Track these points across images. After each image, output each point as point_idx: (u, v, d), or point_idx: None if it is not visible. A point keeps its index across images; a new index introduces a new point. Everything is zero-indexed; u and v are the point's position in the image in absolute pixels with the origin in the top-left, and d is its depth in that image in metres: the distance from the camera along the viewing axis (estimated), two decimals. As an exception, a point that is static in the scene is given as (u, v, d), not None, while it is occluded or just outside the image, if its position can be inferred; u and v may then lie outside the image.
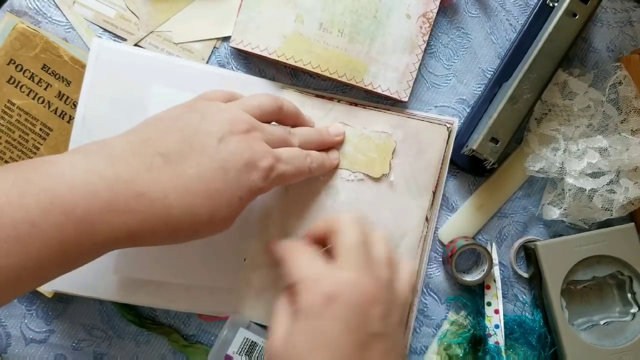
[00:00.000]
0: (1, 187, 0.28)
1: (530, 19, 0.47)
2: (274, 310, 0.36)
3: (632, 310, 0.47)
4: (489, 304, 0.47)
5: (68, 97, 0.44)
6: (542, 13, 0.47)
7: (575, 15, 0.45)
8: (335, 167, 0.45)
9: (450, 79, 0.49)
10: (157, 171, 0.32)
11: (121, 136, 0.34)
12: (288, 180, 0.38)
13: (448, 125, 0.45)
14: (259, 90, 0.45)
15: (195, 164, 0.33)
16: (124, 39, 0.46)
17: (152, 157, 0.32)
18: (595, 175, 0.47)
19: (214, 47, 0.46)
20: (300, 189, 0.44)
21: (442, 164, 0.45)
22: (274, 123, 0.41)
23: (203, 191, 0.33)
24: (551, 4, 0.47)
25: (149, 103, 0.43)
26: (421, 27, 0.46)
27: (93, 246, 0.30)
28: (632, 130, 0.47)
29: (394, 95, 0.46)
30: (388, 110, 0.46)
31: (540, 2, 0.47)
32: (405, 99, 0.46)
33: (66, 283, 0.42)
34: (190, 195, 0.32)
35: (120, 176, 0.31)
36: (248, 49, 0.45)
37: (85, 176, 0.30)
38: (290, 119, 0.42)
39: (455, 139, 0.47)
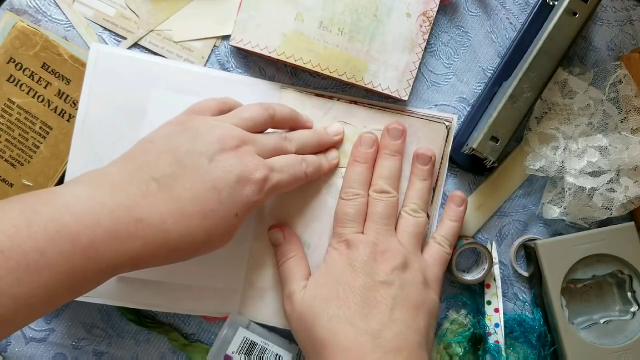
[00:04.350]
0: (9, 217, 0.29)
1: (530, 18, 0.47)
2: (285, 271, 0.42)
3: (632, 309, 0.47)
4: (489, 302, 0.47)
5: (68, 96, 0.44)
6: (542, 12, 0.47)
7: (575, 14, 0.45)
8: (336, 166, 0.44)
9: (450, 78, 0.49)
10: (153, 197, 0.33)
11: (118, 162, 0.35)
12: (284, 189, 0.39)
13: (447, 123, 0.45)
14: (259, 92, 0.45)
15: (189, 186, 0.34)
16: (124, 38, 0.46)
17: (147, 183, 0.33)
18: (595, 174, 0.47)
19: (214, 46, 0.46)
20: (302, 188, 0.44)
21: (441, 161, 0.45)
22: (270, 130, 0.41)
23: (198, 213, 0.34)
24: (551, 3, 0.47)
25: (148, 106, 0.43)
26: (421, 26, 0.46)
27: (99, 272, 0.31)
28: (632, 129, 0.47)
29: (394, 94, 0.46)
30: (387, 108, 0.46)
31: (540, 1, 0.47)
32: (405, 98, 0.46)
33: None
34: (186, 218, 0.33)
35: (120, 204, 0.32)
36: (248, 47, 0.45)
37: (88, 205, 0.31)
38: (286, 124, 0.42)
39: (455, 137, 0.46)
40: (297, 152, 0.41)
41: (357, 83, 0.45)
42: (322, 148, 0.44)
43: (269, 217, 0.44)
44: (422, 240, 0.43)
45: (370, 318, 0.36)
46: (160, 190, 0.33)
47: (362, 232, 0.41)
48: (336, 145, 0.45)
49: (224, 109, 0.40)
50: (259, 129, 0.40)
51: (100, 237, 0.30)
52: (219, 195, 0.34)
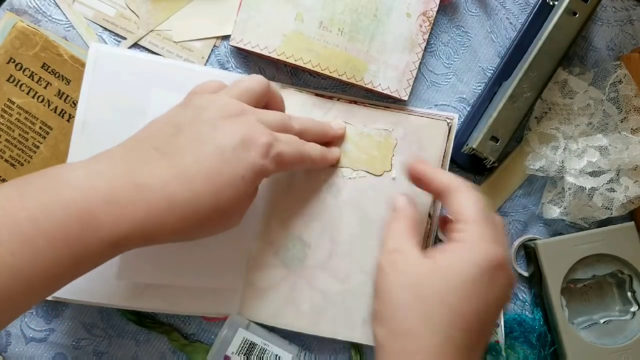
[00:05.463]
0: (4, 191, 0.29)
1: (530, 18, 0.47)
2: (390, 230, 0.36)
3: (632, 309, 0.47)
4: (489, 302, 0.47)
5: (68, 96, 0.44)
6: (542, 12, 0.47)
7: (575, 13, 0.45)
8: (336, 166, 0.44)
9: (450, 78, 0.49)
10: (155, 163, 0.32)
11: (122, 142, 0.35)
12: (289, 162, 0.38)
13: (448, 121, 0.45)
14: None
15: (191, 151, 0.33)
16: (124, 38, 0.46)
17: (148, 152, 0.33)
18: (595, 173, 0.47)
19: (214, 46, 0.46)
20: (302, 188, 0.44)
21: (443, 159, 0.45)
22: None
23: (202, 175, 0.33)
24: (551, 3, 0.47)
25: (149, 106, 0.43)
26: (421, 26, 0.46)
27: (100, 242, 0.30)
28: (632, 128, 0.47)
29: (394, 94, 0.46)
30: (388, 107, 0.46)
31: (540, 1, 0.47)
32: (405, 98, 0.46)
33: (67, 290, 0.42)
34: (190, 180, 0.32)
35: (118, 171, 0.31)
36: (248, 47, 0.45)
37: (84, 175, 0.30)
38: (278, 100, 0.41)
39: (455, 137, 0.46)
40: (300, 134, 0.40)
41: (357, 83, 0.45)
42: (325, 139, 0.43)
43: (269, 217, 0.44)
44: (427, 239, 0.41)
45: (478, 348, 0.32)
46: (162, 157, 0.33)
47: None
48: (338, 140, 0.45)
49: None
50: (256, 102, 0.39)
51: (96, 202, 0.29)
52: (222, 156, 0.33)
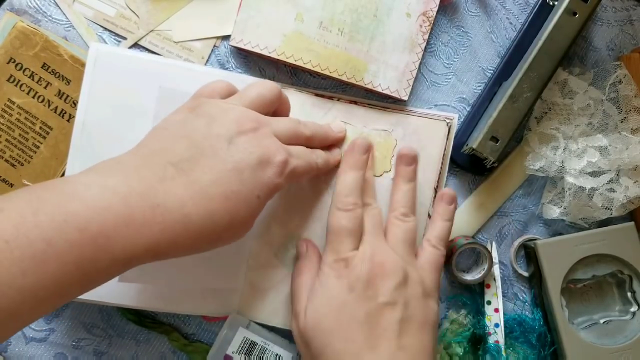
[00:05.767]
0: (15, 206, 0.28)
1: (530, 18, 0.47)
2: (295, 288, 0.41)
3: (632, 309, 0.47)
4: (489, 302, 0.47)
5: (68, 96, 0.44)
6: (542, 12, 0.47)
7: (575, 14, 0.45)
8: (337, 166, 0.44)
9: (450, 78, 0.49)
10: (171, 181, 0.32)
11: (131, 151, 0.34)
12: (300, 175, 0.38)
13: (448, 121, 0.45)
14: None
15: (208, 169, 0.33)
16: (124, 38, 0.46)
17: (163, 167, 0.32)
18: (595, 174, 0.47)
19: (214, 46, 0.46)
20: (302, 188, 0.44)
21: (442, 160, 0.45)
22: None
23: (220, 195, 0.32)
24: (551, 3, 0.47)
25: (154, 105, 0.43)
26: (421, 26, 0.46)
27: (112, 262, 0.29)
28: (632, 129, 0.47)
29: (394, 94, 0.46)
30: (387, 108, 0.46)
31: (540, 1, 0.47)
32: (405, 98, 0.46)
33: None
34: (207, 200, 0.32)
35: (133, 189, 0.30)
36: (248, 47, 0.45)
37: (98, 192, 0.29)
38: (284, 106, 0.41)
39: (455, 137, 0.46)
40: (310, 139, 0.40)
41: (357, 83, 0.45)
42: (328, 142, 0.44)
43: (271, 218, 0.44)
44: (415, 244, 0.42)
45: (377, 350, 0.35)
46: (178, 174, 0.32)
47: (358, 247, 0.39)
48: (339, 143, 0.45)
49: (233, 91, 0.39)
50: (268, 109, 0.39)
51: (111, 224, 0.29)
52: (240, 176, 0.33)
